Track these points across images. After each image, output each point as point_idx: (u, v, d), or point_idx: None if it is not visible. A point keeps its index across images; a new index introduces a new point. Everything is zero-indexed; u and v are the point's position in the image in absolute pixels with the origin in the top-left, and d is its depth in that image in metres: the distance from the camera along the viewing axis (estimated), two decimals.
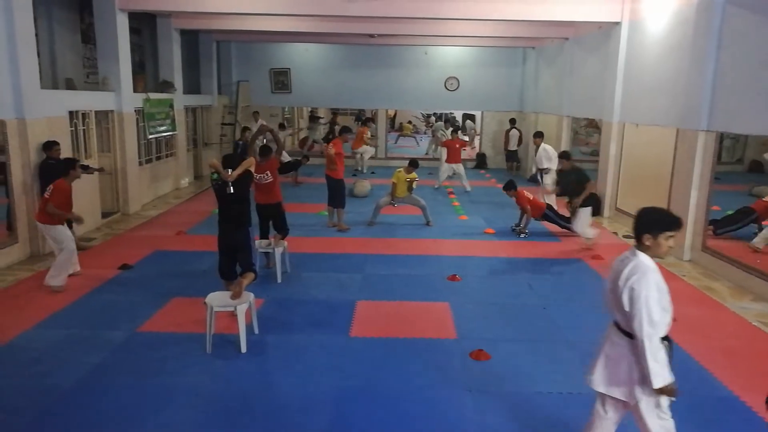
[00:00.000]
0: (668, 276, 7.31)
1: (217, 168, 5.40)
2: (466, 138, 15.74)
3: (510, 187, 9.47)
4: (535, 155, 11.07)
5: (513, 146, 16.61)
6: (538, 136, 11.23)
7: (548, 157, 10.67)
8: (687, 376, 4.71)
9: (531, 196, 9.46)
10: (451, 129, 15.63)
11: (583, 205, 8.55)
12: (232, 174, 5.28)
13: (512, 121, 16.80)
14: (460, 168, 13.09)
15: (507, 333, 5.53)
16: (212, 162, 5.61)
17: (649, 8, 9.46)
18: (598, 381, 3.23)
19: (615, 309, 3.15)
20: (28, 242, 7.62)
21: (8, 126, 7.18)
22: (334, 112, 21.62)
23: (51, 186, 6.44)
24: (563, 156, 9.09)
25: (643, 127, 9.61)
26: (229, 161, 5.42)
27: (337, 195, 9.42)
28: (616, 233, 9.59)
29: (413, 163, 9.92)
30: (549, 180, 10.65)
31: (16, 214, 7.37)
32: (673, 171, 8.38)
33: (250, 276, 5.33)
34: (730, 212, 8.76)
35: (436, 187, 13.34)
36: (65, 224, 6.60)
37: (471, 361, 4.92)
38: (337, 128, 21.61)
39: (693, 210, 7.84)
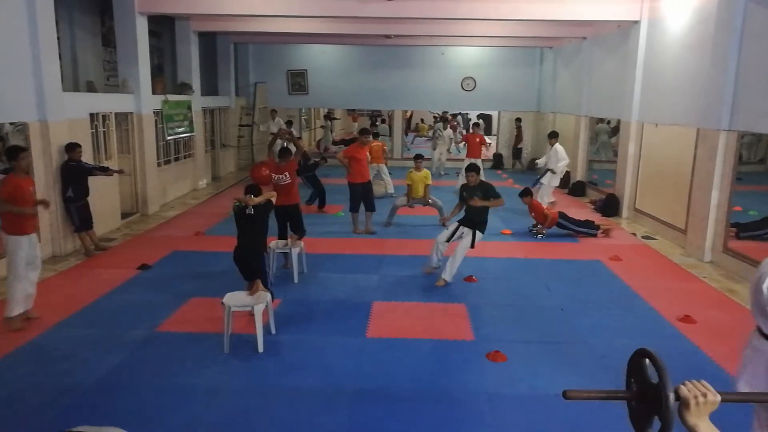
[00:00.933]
0: (688, 278, 7.24)
1: (239, 198, 5.64)
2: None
3: (526, 193, 9.42)
4: (548, 153, 11.01)
5: (518, 144, 17.57)
6: (553, 136, 11.06)
7: (557, 158, 10.59)
8: (708, 379, 4.64)
9: (544, 206, 9.45)
10: (472, 122, 15.61)
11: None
12: (253, 198, 5.50)
13: (517, 120, 17.48)
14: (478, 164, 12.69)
15: (524, 335, 5.49)
16: (236, 196, 5.82)
17: (668, 6, 9.35)
18: (743, 389, 2.98)
19: (757, 312, 2.90)
20: (51, 242, 7.73)
21: (31, 128, 7.30)
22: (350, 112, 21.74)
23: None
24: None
25: (662, 127, 9.49)
26: (252, 190, 5.67)
27: (354, 199, 9.21)
28: (634, 234, 9.49)
29: (418, 157, 9.93)
30: (554, 181, 10.73)
31: (39, 215, 7.47)
32: (694, 171, 8.27)
33: (267, 295, 5.42)
34: (753, 212, 8.61)
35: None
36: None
37: (488, 362, 4.90)
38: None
39: (714, 211, 7.73)
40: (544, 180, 10.69)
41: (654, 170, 9.86)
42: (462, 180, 11.89)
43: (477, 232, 6.76)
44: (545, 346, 5.26)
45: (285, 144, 9.23)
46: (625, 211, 10.71)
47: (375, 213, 9.46)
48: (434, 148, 16.43)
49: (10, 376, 4.56)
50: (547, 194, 10.68)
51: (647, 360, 1.78)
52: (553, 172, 10.63)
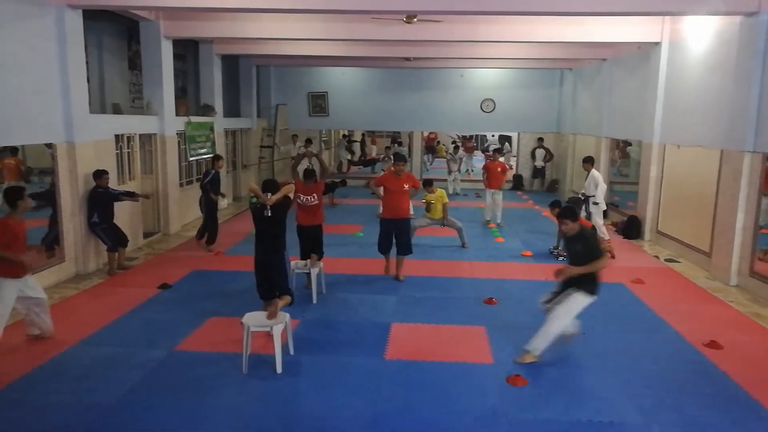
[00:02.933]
0: (713, 302, 7.10)
1: (256, 192, 5.52)
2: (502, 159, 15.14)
3: (556, 205, 9.20)
4: (585, 181, 9.81)
5: (539, 163, 17.43)
6: (588, 161, 9.88)
7: (596, 183, 9.51)
8: (735, 406, 4.53)
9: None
10: (493, 148, 15.14)
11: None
12: (271, 198, 5.38)
13: (539, 140, 17.51)
14: (498, 196, 11.66)
15: (545, 358, 5.40)
16: (251, 186, 5.71)
17: (689, 28, 9.32)
18: None
19: None
20: (74, 261, 7.85)
21: (58, 149, 7.47)
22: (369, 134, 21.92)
23: None
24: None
25: (684, 148, 9.39)
26: (269, 186, 5.53)
27: (383, 238, 7.88)
28: (657, 257, 9.34)
29: (428, 183, 9.80)
30: (595, 209, 9.48)
31: (64, 234, 7.62)
32: (718, 193, 8.15)
33: (287, 299, 5.41)
34: None
35: (487, 219, 11.84)
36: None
37: (508, 386, 4.82)
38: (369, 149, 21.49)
39: (740, 233, 7.60)
40: (591, 209, 9.49)
41: (677, 192, 9.73)
42: (489, 204, 11.61)
43: (584, 293, 5.18)
44: (567, 370, 5.17)
45: (310, 165, 9.13)
46: (647, 234, 10.57)
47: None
48: (449, 172, 16.79)
49: (32, 394, 4.60)
50: (599, 217, 9.63)
51: None
52: (596, 203, 9.50)
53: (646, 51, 10.71)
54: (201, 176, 10.01)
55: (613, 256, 9.13)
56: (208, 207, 9.29)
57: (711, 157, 8.35)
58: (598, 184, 9.53)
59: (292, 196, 5.71)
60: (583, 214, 9.46)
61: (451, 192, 16.07)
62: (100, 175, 7.81)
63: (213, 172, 9.33)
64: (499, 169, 11.71)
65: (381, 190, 7.80)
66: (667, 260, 9.11)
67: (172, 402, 4.50)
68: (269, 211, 5.41)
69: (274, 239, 5.56)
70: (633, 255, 9.49)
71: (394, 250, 7.90)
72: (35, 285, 5.56)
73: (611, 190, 13.22)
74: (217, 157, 9.84)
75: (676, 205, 9.74)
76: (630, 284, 7.77)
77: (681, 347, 5.71)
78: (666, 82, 10.14)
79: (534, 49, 12.72)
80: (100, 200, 7.85)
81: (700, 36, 8.96)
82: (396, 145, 20.58)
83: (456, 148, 18.22)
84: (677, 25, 9.74)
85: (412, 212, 9.99)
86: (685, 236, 9.29)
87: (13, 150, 7.17)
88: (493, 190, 11.65)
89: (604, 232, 9.48)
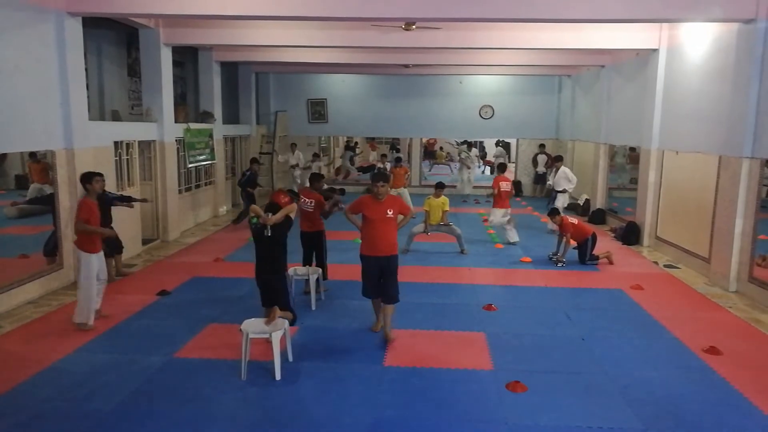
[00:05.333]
0: (713, 308, 7.09)
1: (257, 212, 5.57)
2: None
3: (554, 213, 9.38)
4: (553, 177, 11.93)
5: (540, 169, 17.36)
6: (558, 159, 12.05)
7: (567, 178, 11.63)
8: (734, 412, 4.52)
9: (575, 221, 9.33)
10: (497, 162, 14.50)
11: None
12: (270, 218, 5.41)
13: (541, 146, 17.50)
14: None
15: (544, 364, 5.40)
16: (253, 207, 5.76)
17: (687, 35, 9.35)
18: None
19: None
20: (72, 268, 7.84)
21: (57, 156, 7.47)
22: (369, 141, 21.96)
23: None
24: None
25: (683, 154, 9.41)
26: (272, 207, 5.60)
27: (367, 280, 6.02)
28: (656, 263, 9.34)
29: (440, 185, 9.91)
30: (562, 201, 11.56)
31: (62, 241, 7.61)
32: (716, 199, 8.16)
33: (288, 314, 5.43)
34: None
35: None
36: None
37: (507, 392, 4.81)
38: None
39: (738, 239, 7.60)
40: (556, 203, 11.28)
41: (675, 198, 9.75)
42: (498, 217, 10.57)
43: None
44: (566, 376, 5.16)
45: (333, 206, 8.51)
46: (646, 239, 10.57)
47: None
48: (460, 171, 17.07)
49: (31, 401, 4.58)
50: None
51: None
52: (564, 192, 11.65)
53: (645, 57, 10.75)
54: (240, 177, 12.46)
55: (611, 262, 9.16)
56: (249, 199, 11.32)
57: (709, 163, 8.37)
58: (570, 179, 11.67)
59: (293, 216, 5.72)
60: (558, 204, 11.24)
61: (465, 194, 16.20)
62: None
63: (249, 172, 11.75)
64: (507, 185, 10.77)
65: (358, 218, 5.97)
66: (666, 266, 9.11)
67: (171, 409, 4.49)
68: (269, 231, 5.43)
69: (273, 260, 5.57)
70: (632, 261, 9.49)
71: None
72: (103, 259, 6.37)
73: (610, 196, 13.27)
74: (253, 160, 12.33)
75: (675, 210, 9.75)
76: (629, 290, 7.77)
77: (680, 353, 5.71)
78: (664, 88, 10.17)
79: (532, 56, 12.76)
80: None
81: (698, 42, 8.99)
82: (394, 151, 20.59)
83: (469, 145, 18.12)
84: (675, 31, 9.77)
85: (415, 216, 9.48)
86: (684, 242, 9.30)
87: (32, 155, 7.44)
88: (504, 210, 10.60)
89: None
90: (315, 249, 7.35)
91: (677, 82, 9.72)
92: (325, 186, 9.80)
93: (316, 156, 16.32)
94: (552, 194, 11.84)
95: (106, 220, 7.96)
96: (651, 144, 10.42)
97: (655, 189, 10.38)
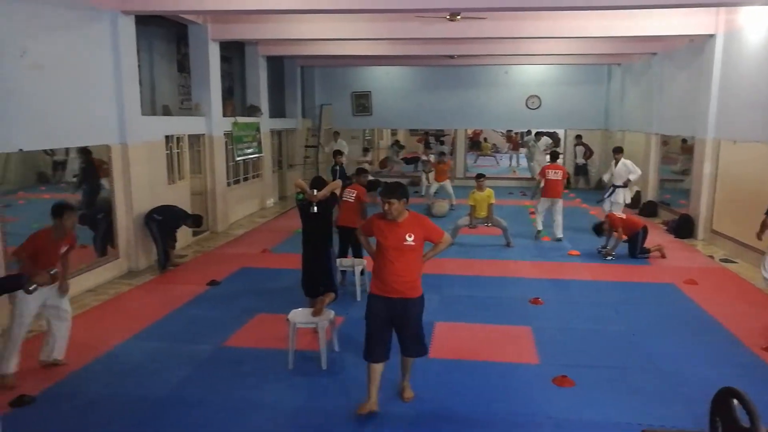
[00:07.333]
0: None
1: (302, 188, 5.61)
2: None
3: (600, 231, 9.14)
4: (614, 170, 10.34)
5: (580, 160, 17.14)
6: (618, 151, 10.54)
7: (628, 171, 10.15)
8: None
9: (624, 216, 9.11)
10: (550, 150, 14.01)
11: None
12: (317, 194, 5.45)
13: (578, 137, 17.16)
14: (557, 205, 10.25)
15: (592, 359, 5.29)
16: (298, 182, 5.80)
17: (746, 19, 8.93)
18: None
19: None
20: (127, 258, 8.13)
21: (113, 150, 7.75)
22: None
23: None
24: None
25: (741, 144, 9.02)
26: (317, 183, 5.62)
27: (371, 329, 4.39)
28: (712, 257, 9.00)
29: (480, 176, 9.82)
30: (622, 196, 10.30)
31: (118, 232, 7.90)
32: None
33: (331, 296, 5.49)
34: None
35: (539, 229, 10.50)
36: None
37: (554, 387, 4.74)
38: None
39: None
40: (616, 198, 10.26)
41: (733, 189, 9.35)
42: (541, 206, 10.37)
43: None
44: (615, 371, 5.04)
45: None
46: (700, 233, 10.19)
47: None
48: (530, 161, 17.07)
49: (88, 386, 4.79)
50: (619, 212, 9.99)
51: (735, 400, 1.65)
52: (625, 185, 10.21)
53: (700, 44, 10.34)
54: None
55: (663, 256, 8.89)
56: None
57: None
58: (632, 171, 10.13)
59: (338, 192, 5.77)
60: (607, 204, 10.38)
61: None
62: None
63: (338, 168, 11.09)
64: (559, 173, 10.28)
65: (372, 243, 4.49)
66: (722, 260, 8.77)
67: (219, 396, 4.60)
68: (315, 207, 5.48)
69: (319, 235, 5.65)
70: (685, 255, 9.18)
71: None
72: (61, 297, 5.13)
73: (662, 188, 12.86)
74: (336, 153, 11.64)
75: (732, 203, 9.36)
76: (682, 285, 7.52)
77: (737, 351, 5.50)
78: (721, 75, 9.76)
79: (581, 45, 12.45)
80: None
81: (758, 26, 8.58)
82: (439, 143, 20.46)
83: (538, 135, 17.83)
84: (733, 15, 9.35)
85: (455, 203, 10.21)
86: (741, 236, 8.91)
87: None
88: (554, 199, 10.23)
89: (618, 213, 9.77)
90: (351, 244, 7.39)
91: (735, 69, 9.31)
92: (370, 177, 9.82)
93: (366, 150, 16.43)
94: (608, 188, 10.52)
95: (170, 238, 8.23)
96: (706, 134, 10.02)
97: (711, 180, 9.99)
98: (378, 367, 4.26)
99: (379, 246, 4.27)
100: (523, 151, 20.72)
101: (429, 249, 4.45)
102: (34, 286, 3.79)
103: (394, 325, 4.28)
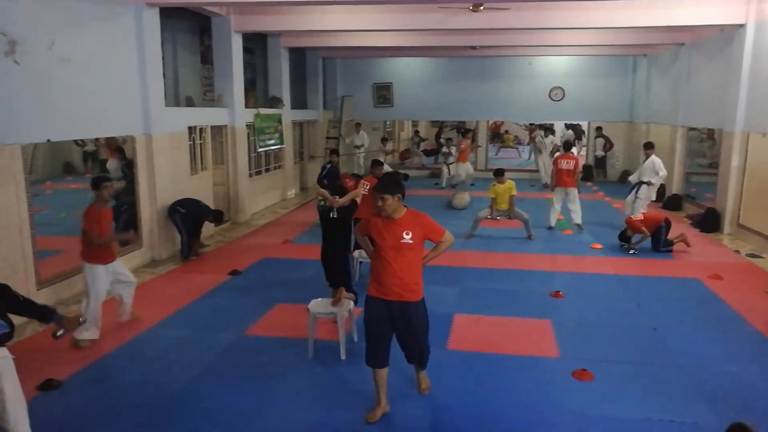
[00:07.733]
0: None
1: (324, 195, 5.85)
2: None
3: (624, 239, 8.96)
4: (642, 166, 10.15)
5: (599, 153, 16.95)
6: (649, 146, 10.14)
7: (654, 170, 9.81)
8: None
9: (641, 216, 8.99)
10: (563, 140, 13.99)
11: None
12: (338, 201, 5.64)
13: (598, 129, 16.96)
14: (572, 194, 10.17)
15: (613, 353, 5.25)
16: (319, 191, 6.08)
17: None
18: None
19: None
20: (150, 248, 8.26)
21: (137, 141, 7.86)
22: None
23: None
24: None
25: None
26: (338, 190, 5.87)
27: (371, 335, 4.22)
28: (738, 251, 8.83)
29: (499, 172, 9.71)
30: (650, 193, 10.08)
31: (141, 222, 8.02)
32: None
33: (351, 296, 5.54)
34: None
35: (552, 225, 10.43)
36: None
37: (573, 381, 4.72)
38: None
39: None
40: (640, 194, 9.97)
41: (762, 183, 9.15)
42: (556, 197, 10.35)
43: None
44: (636, 366, 5.00)
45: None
46: (726, 227, 10.01)
47: (456, 225, 8.86)
48: (537, 155, 16.59)
49: (113, 372, 4.91)
50: (643, 208, 9.93)
51: None
52: (649, 184, 9.92)
53: (730, 34, 10.10)
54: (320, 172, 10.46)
55: (688, 244, 8.76)
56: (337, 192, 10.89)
57: None
58: (657, 170, 9.81)
59: (358, 201, 5.94)
60: (631, 197, 10.12)
61: (544, 182, 15.57)
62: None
63: (329, 165, 10.31)
64: (572, 163, 10.16)
65: (368, 242, 4.26)
66: (749, 255, 8.61)
67: (240, 385, 4.67)
68: (335, 213, 5.65)
69: (338, 240, 5.87)
70: (710, 249, 9.03)
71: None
72: (120, 266, 5.82)
73: (687, 181, 12.64)
74: (332, 152, 11.20)
75: (761, 197, 9.16)
76: (706, 280, 7.40)
77: (762, 347, 5.40)
78: (751, 66, 9.53)
79: (606, 36, 12.25)
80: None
81: None
82: (460, 135, 20.38)
83: (547, 130, 17.76)
84: (764, 5, 9.11)
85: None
86: None
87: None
88: (567, 189, 10.14)
89: (643, 209, 9.77)
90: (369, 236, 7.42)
91: (766, 60, 9.08)
92: (388, 169, 9.80)
93: (384, 140, 16.42)
94: (632, 185, 10.20)
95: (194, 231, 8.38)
96: (735, 126, 9.81)
97: (739, 173, 9.79)
98: (383, 372, 4.15)
99: (376, 246, 4.06)
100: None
101: (430, 250, 4.22)
102: (62, 331, 3.73)
103: (395, 328, 4.08)
